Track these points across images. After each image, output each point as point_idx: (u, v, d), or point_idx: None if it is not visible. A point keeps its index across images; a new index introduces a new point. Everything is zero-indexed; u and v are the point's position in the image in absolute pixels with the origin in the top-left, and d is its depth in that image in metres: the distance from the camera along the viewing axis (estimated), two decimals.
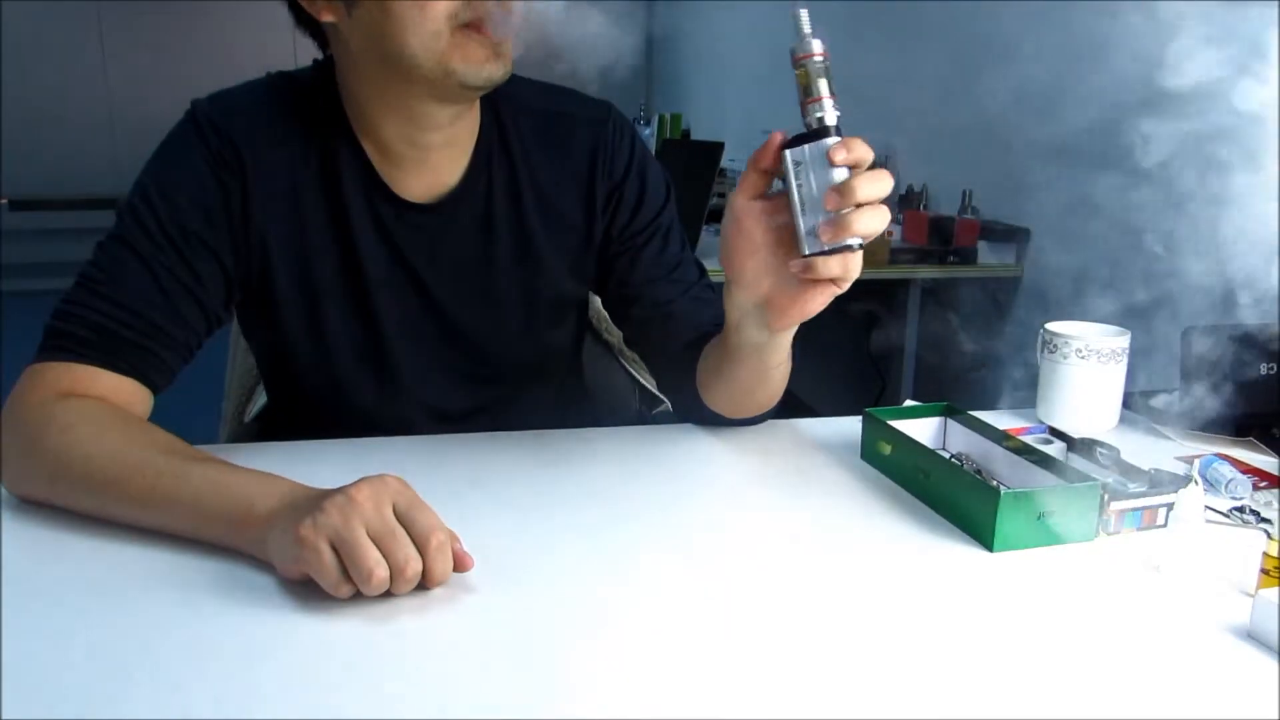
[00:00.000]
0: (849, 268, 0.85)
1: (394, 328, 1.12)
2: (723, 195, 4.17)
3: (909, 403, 1.12)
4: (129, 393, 0.97)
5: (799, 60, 0.82)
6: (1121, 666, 0.70)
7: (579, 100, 1.15)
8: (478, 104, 1.09)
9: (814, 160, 0.82)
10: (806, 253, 0.84)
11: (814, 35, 0.81)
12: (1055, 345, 1.17)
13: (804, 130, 0.83)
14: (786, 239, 0.88)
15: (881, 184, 0.82)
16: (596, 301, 1.37)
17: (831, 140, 0.82)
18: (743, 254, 0.91)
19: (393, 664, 0.68)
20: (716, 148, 3.09)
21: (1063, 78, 2.78)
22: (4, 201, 5.82)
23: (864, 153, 0.82)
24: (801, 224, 0.83)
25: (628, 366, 1.45)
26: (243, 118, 1.05)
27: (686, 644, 0.71)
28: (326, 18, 0.99)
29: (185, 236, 1.01)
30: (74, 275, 1.00)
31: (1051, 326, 1.19)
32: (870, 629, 0.74)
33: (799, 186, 0.83)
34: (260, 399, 1.37)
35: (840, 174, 0.82)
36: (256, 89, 1.08)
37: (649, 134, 5.27)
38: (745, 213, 0.90)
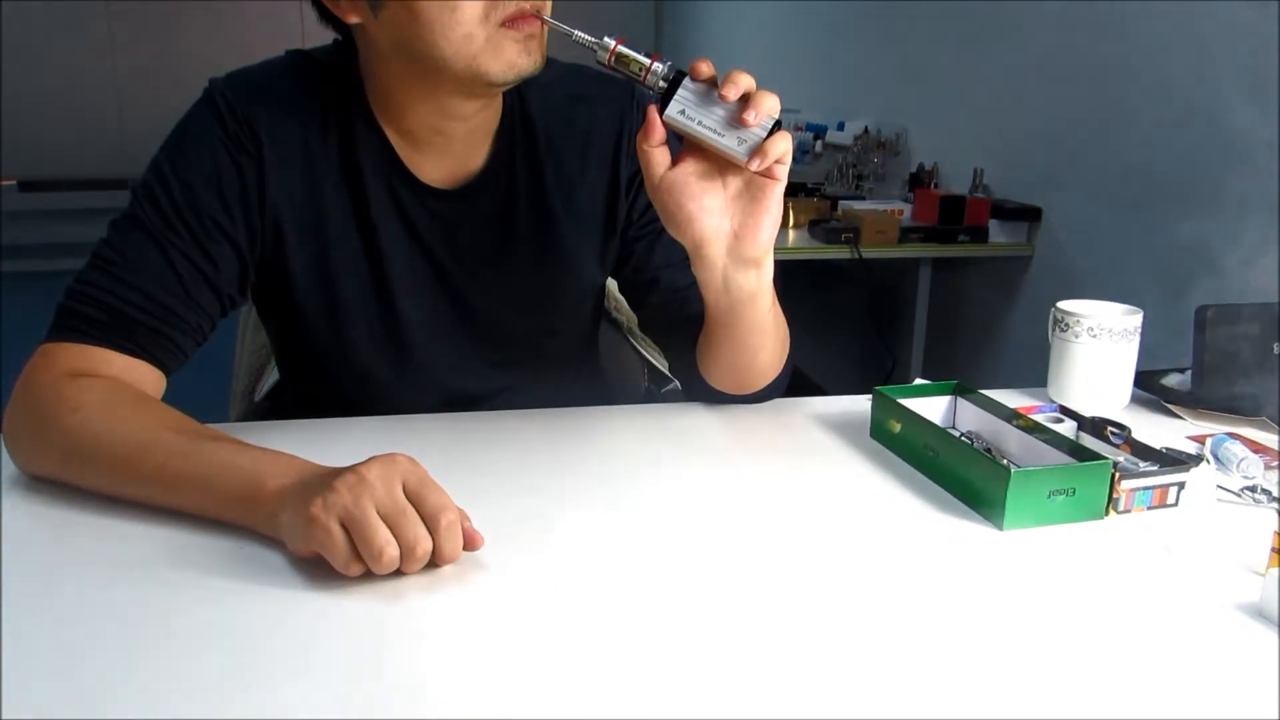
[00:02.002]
0: (788, 141, 0.91)
1: (411, 312, 1.12)
2: None
3: (919, 381, 1.12)
4: (141, 374, 0.97)
5: (614, 58, 0.90)
6: (1131, 645, 0.70)
7: (602, 81, 1.14)
8: None
9: (690, 99, 0.90)
10: (744, 157, 0.90)
11: (599, 37, 0.90)
12: (1066, 324, 1.17)
13: (660, 94, 0.91)
14: (716, 174, 0.94)
15: (745, 74, 0.88)
16: (609, 282, 1.37)
17: (684, 77, 0.90)
18: (694, 214, 0.94)
19: (403, 642, 0.68)
20: None
21: (1075, 54, 2.76)
22: (13, 182, 5.83)
23: (709, 63, 0.89)
24: (726, 142, 0.90)
25: (636, 345, 1.45)
26: (260, 98, 1.03)
27: (696, 621, 0.72)
28: (352, 19, 0.97)
29: (200, 219, 1.00)
30: (84, 255, 1.00)
31: (1063, 305, 1.18)
32: (880, 607, 0.74)
33: (700, 124, 0.90)
34: (270, 378, 1.37)
35: (712, 94, 0.89)
36: (275, 68, 1.07)
37: None
38: (673, 182, 0.93)
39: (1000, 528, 0.87)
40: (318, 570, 0.76)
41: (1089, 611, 0.75)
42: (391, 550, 0.72)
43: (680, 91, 0.89)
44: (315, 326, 1.11)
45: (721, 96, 0.88)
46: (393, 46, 0.97)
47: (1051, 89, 2.87)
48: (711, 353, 1.10)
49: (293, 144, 1.04)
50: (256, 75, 1.06)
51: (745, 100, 0.88)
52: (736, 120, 0.88)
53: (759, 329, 1.06)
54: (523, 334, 1.18)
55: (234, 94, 1.02)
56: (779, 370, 1.14)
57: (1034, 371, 1.27)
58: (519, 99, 1.10)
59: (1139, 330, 1.16)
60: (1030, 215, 2.96)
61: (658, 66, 0.90)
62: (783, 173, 0.93)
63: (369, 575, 0.74)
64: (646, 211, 1.15)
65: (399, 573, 0.74)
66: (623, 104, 1.14)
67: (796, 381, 1.18)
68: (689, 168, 0.93)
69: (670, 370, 1.34)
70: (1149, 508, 0.92)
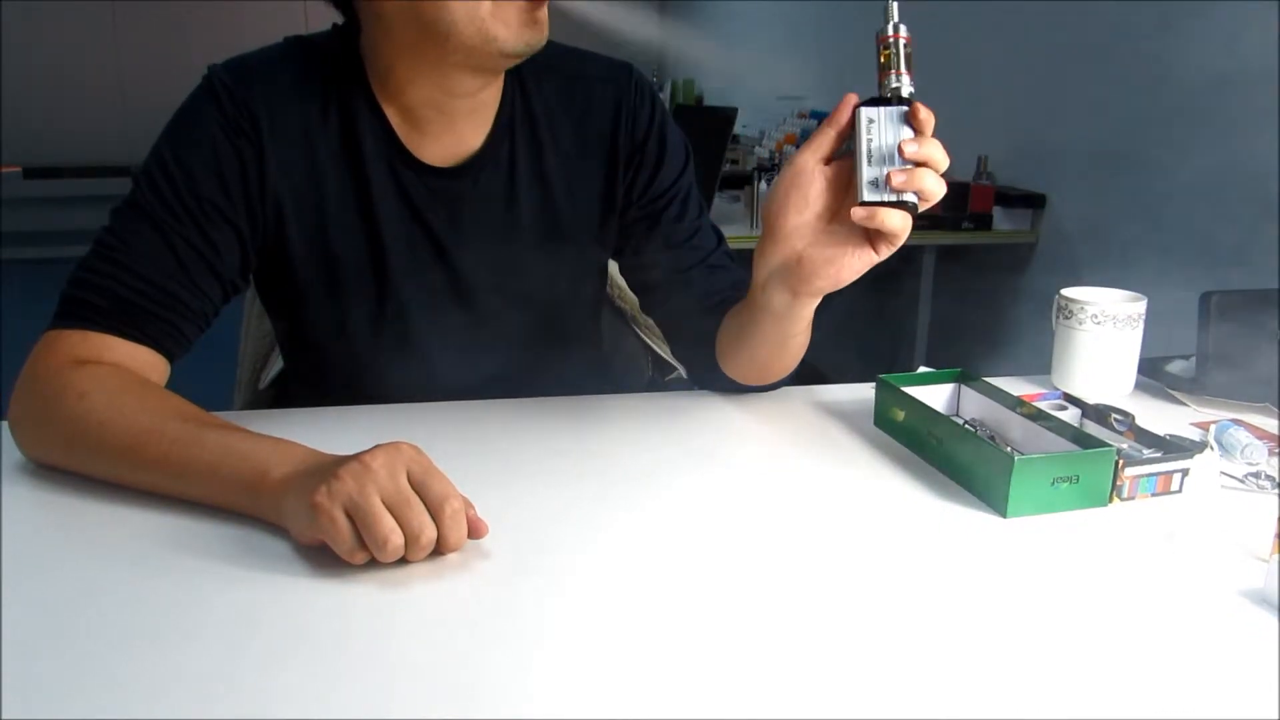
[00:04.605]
0: (906, 225, 0.87)
1: (412, 292, 1.12)
2: (735, 162, 4.16)
3: (923, 369, 1.12)
4: (145, 361, 0.97)
5: (887, 41, 0.87)
6: (1135, 631, 0.70)
7: (601, 61, 1.15)
8: None
9: (887, 120, 0.87)
10: (865, 198, 0.86)
11: (900, 22, 0.87)
12: (1070, 311, 1.17)
13: (877, 96, 0.88)
14: (839, 204, 0.90)
15: (944, 154, 0.86)
16: (611, 267, 1.37)
17: (904, 107, 0.87)
18: (792, 209, 0.91)
19: (407, 630, 0.69)
20: (730, 114, 3.08)
21: (1079, 40, 2.75)
22: (17, 169, 5.84)
23: (932, 121, 0.86)
24: (866, 173, 0.86)
25: (640, 333, 1.45)
26: (259, 83, 1.03)
27: (700, 610, 0.72)
28: None
29: (201, 205, 1.00)
30: (88, 243, 1.00)
31: (1067, 292, 1.18)
32: (883, 595, 0.75)
33: (869, 141, 0.87)
34: (275, 365, 1.38)
35: (907, 135, 0.86)
36: (273, 54, 1.07)
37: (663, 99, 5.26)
38: (809, 171, 0.91)
39: (1004, 515, 0.87)
40: (322, 558, 0.76)
41: (1093, 598, 0.75)
42: (396, 538, 0.72)
43: (887, 107, 0.87)
44: (316, 309, 1.12)
45: (901, 146, 0.85)
46: (401, 15, 0.97)
47: (1056, 75, 2.86)
48: (730, 342, 1.09)
49: (292, 127, 1.04)
50: (254, 61, 1.06)
51: (913, 164, 0.85)
52: (890, 169, 0.86)
53: (779, 348, 1.06)
54: (523, 314, 1.18)
55: (232, 79, 1.03)
56: (790, 372, 1.14)
57: (1038, 359, 1.27)
58: (518, 79, 1.11)
59: (1143, 317, 1.16)
60: (1035, 202, 2.96)
61: (903, 79, 0.87)
62: (884, 252, 0.90)
63: (373, 563, 0.74)
64: (646, 191, 1.15)
65: (403, 561, 0.75)
66: (621, 84, 1.14)
67: (800, 369, 1.18)
68: (831, 170, 0.91)
69: (674, 355, 1.34)
70: (1153, 494, 0.92)
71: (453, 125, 1.07)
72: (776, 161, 3.86)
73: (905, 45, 0.87)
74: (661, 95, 5.26)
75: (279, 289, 1.13)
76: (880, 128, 0.87)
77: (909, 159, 0.85)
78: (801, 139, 4.15)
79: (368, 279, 1.10)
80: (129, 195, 1.01)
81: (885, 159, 0.86)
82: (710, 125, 3.08)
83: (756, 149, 4.43)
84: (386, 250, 1.09)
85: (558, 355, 1.23)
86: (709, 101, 5.61)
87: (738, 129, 4.27)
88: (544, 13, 0.96)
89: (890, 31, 0.87)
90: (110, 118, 5.98)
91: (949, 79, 3.40)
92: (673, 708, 0.61)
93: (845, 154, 0.90)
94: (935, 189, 0.86)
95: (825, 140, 0.91)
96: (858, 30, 4.12)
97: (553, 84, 1.12)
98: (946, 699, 0.62)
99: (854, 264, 0.90)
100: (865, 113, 0.87)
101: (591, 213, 1.16)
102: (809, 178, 0.90)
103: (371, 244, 1.09)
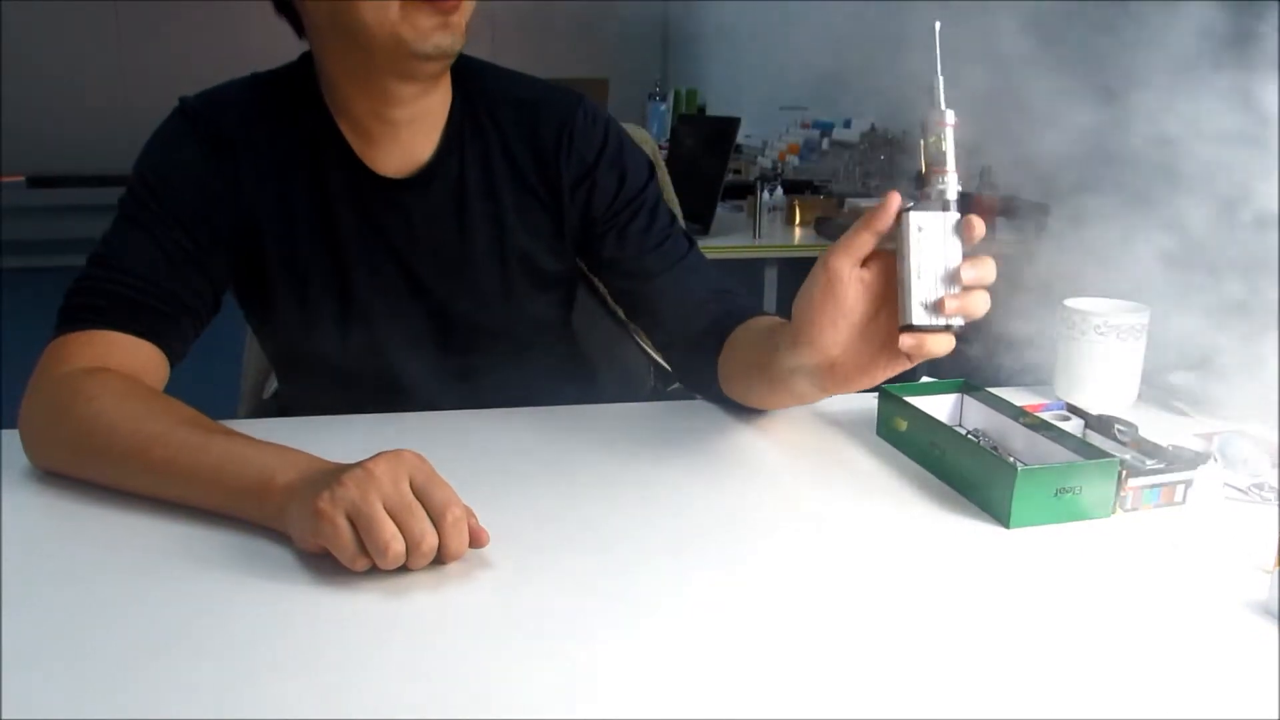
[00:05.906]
0: (950, 347, 0.81)
1: (374, 300, 1.15)
2: (738, 171, 4.16)
3: (925, 379, 1.12)
4: (147, 359, 1.00)
5: (933, 127, 0.79)
6: (1138, 643, 0.70)
7: (549, 88, 1.18)
8: (447, 82, 1.11)
9: (938, 230, 0.79)
10: (914, 322, 0.79)
11: (947, 105, 0.79)
12: (1074, 322, 1.17)
13: (918, 195, 0.81)
14: (875, 309, 0.85)
15: (994, 270, 0.82)
16: None
17: (955, 215, 0.80)
18: (827, 318, 0.84)
19: (408, 638, 0.69)
20: (732, 123, 3.08)
21: (1081, 49, 2.75)
22: (21, 178, 5.85)
23: (983, 231, 0.81)
24: (915, 292, 0.79)
25: (641, 343, 1.45)
26: (229, 107, 1.10)
27: (701, 618, 0.72)
28: None
29: (184, 210, 1.05)
30: (90, 248, 1.04)
31: (1070, 303, 1.18)
32: (886, 605, 0.74)
33: (918, 253, 0.79)
34: None
35: (956, 249, 0.80)
36: (238, 83, 1.14)
37: (665, 110, 5.26)
38: (845, 277, 0.83)
39: (1007, 526, 0.87)
40: (324, 565, 0.76)
41: (1096, 609, 0.75)
42: (397, 545, 0.72)
43: (940, 215, 0.79)
44: (291, 319, 1.15)
45: (959, 269, 0.79)
46: (327, 25, 1.02)
47: (1059, 84, 2.86)
48: (739, 380, 1.07)
49: (260, 147, 1.09)
50: (223, 89, 1.13)
51: (965, 288, 0.80)
52: (941, 290, 0.79)
53: (795, 403, 1.08)
54: (482, 318, 1.19)
55: (203, 105, 1.10)
56: None
57: (1041, 369, 1.27)
58: (464, 94, 1.13)
59: (1146, 328, 1.15)
60: (1038, 212, 2.95)
61: (950, 180, 0.79)
62: (918, 360, 0.83)
63: (375, 571, 0.74)
64: (610, 208, 1.17)
65: (405, 569, 0.75)
66: (567, 114, 1.16)
67: None
68: (869, 275, 0.84)
69: (661, 358, 1.34)
70: (1156, 505, 0.92)
71: (397, 135, 1.10)
72: (779, 171, 3.87)
73: (955, 131, 0.79)
74: (664, 105, 5.23)
75: (257, 302, 1.17)
76: (930, 239, 0.79)
77: (968, 285, 0.80)
78: (803, 147, 4.15)
79: (331, 288, 1.14)
80: (115, 214, 1.07)
81: (937, 277, 0.79)
82: (713, 135, 3.08)
83: (759, 159, 4.45)
84: (346, 259, 1.12)
85: (525, 357, 1.24)
86: (711, 111, 5.61)
87: (740, 139, 4.27)
88: (459, 16, 0.99)
89: (940, 117, 0.79)
90: (113, 127, 5.99)
91: (951, 88, 3.40)
92: (676, 716, 0.61)
93: (881, 251, 0.84)
94: (984, 310, 0.81)
95: (864, 244, 0.83)
96: (848, 33, 4.12)
97: (502, 106, 1.15)
98: (949, 710, 0.62)
99: (888, 372, 0.86)
100: (914, 219, 0.79)
101: (541, 225, 1.17)
102: (845, 285, 0.83)
103: (334, 253, 1.12)
